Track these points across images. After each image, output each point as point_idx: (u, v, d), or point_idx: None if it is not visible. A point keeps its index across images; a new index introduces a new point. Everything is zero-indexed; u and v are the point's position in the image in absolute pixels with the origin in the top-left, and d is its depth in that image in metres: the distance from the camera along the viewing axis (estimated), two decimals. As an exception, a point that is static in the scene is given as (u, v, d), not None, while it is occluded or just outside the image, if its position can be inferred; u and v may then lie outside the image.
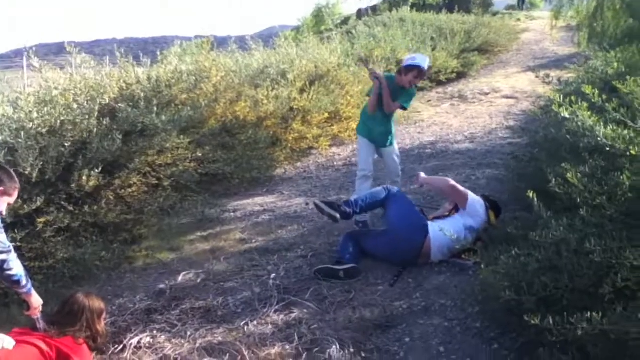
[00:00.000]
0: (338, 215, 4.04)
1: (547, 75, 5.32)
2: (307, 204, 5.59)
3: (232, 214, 5.49)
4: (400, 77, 4.64)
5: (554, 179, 2.98)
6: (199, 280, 4.05)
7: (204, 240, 4.87)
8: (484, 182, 5.68)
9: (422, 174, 4.59)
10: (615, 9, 7.23)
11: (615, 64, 7.25)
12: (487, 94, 10.87)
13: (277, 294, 3.67)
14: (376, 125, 4.79)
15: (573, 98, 3.31)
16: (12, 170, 2.94)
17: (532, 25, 21.62)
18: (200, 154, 5.76)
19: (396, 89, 4.66)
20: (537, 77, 5.39)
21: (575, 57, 11.83)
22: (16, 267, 2.71)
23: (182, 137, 5.55)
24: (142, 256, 4.59)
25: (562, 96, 3.39)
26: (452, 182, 4.38)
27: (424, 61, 4.60)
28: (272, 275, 3.97)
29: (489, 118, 9.02)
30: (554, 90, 5.01)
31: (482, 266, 3.01)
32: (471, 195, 4.21)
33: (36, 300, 2.91)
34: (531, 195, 2.90)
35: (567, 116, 3.26)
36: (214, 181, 6.13)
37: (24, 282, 2.77)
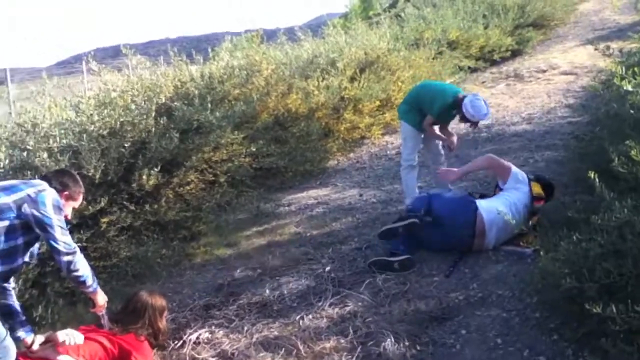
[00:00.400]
0: (415, 220, 3.95)
1: (608, 47, 5.04)
2: (360, 195, 5.58)
3: (286, 207, 5.56)
4: (458, 111, 4.55)
5: (616, 158, 2.85)
6: (255, 275, 4.13)
7: (259, 235, 4.95)
8: (543, 165, 5.50)
9: (452, 171, 4.50)
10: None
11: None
12: (544, 71, 10.45)
13: (332, 287, 3.69)
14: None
15: (637, 69, 3.14)
16: (76, 174, 3.06)
17: (590, -6, 20.59)
18: (254, 149, 5.84)
19: (453, 111, 4.59)
20: (596, 49, 5.11)
21: (639, 25, 11.22)
22: (82, 268, 2.80)
23: (236, 132, 5.66)
24: (201, 252, 4.72)
25: (624, 68, 3.22)
26: (491, 155, 4.38)
27: (484, 117, 4.53)
28: (327, 269, 3.99)
29: (547, 97, 8.68)
30: (615, 62, 4.78)
31: (542, 253, 2.92)
32: (514, 168, 4.20)
33: (102, 299, 3.02)
34: (592, 175, 2.78)
35: (630, 89, 3.10)
36: (268, 175, 6.21)
37: (89, 282, 2.87)
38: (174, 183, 5.00)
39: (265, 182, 6.15)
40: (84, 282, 2.85)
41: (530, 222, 3.96)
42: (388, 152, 7.16)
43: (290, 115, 6.81)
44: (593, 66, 9.89)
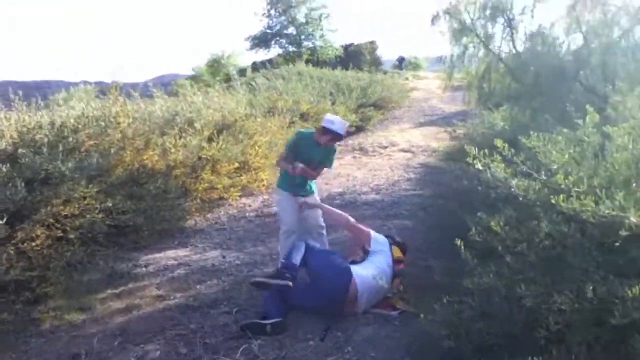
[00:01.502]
0: (290, 282, 3.90)
1: (454, 130, 5.71)
2: (223, 256, 5.43)
3: (144, 268, 5.18)
4: (318, 135, 4.63)
5: (473, 228, 3.16)
6: (116, 343, 3.73)
7: (116, 297, 4.53)
8: (395, 232, 5.83)
9: (305, 200, 4.66)
10: (500, 73, 7.89)
11: (501, 123, 7.92)
12: (385, 147, 11.35)
13: (205, 354, 3.48)
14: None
15: (487, 151, 3.55)
16: None
17: (419, 84, 23.21)
18: (110, 204, 5.41)
19: (314, 145, 4.63)
20: (445, 131, 5.75)
21: (460, 114, 12.78)
22: None
23: (90, 186, 5.23)
24: (49, 317, 4.16)
25: (476, 148, 3.62)
26: (352, 219, 4.54)
27: (342, 127, 4.57)
28: (198, 335, 3.76)
29: (390, 170, 9.39)
30: (465, 143, 5.38)
31: (421, 315, 3.05)
32: (373, 232, 4.41)
33: None
34: (459, 243, 3.04)
35: (481, 168, 3.48)
36: (121, 233, 5.73)
37: None
38: (17, 238, 4.43)
39: (119, 240, 5.66)
40: None
41: (394, 286, 4.21)
42: (247, 214, 7.12)
43: (147, 172, 6.49)
44: (427, 146, 10.96)
